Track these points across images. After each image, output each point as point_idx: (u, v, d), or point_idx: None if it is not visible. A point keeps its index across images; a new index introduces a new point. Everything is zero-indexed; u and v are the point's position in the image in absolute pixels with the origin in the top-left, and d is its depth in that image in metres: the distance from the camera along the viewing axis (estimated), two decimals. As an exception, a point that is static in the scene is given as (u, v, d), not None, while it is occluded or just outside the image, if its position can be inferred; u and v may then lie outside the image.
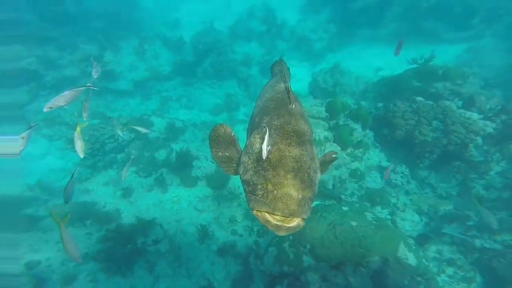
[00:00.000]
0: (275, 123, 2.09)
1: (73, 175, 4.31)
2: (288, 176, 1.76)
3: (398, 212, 6.51)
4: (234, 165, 2.27)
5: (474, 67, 10.14)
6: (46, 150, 10.83)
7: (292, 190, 1.72)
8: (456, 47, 12.25)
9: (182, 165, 8.80)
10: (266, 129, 1.89)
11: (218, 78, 13.43)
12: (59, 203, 8.19)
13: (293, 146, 1.91)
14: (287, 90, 2.22)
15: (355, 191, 6.87)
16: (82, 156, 4.32)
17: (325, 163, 2.51)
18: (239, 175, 2.11)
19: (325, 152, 7.07)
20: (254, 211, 1.81)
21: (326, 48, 14.47)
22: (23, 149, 4.10)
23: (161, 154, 9.44)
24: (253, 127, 2.36)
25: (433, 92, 8.49)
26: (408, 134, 7.44)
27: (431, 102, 7.69)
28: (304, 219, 1.77)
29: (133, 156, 6.47)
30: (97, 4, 17.10)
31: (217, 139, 2.32)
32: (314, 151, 2.04)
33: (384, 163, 7.53)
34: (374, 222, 5.15)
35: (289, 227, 1.74)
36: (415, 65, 9.59)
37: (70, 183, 4.29)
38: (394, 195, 6.87)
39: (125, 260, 6.93)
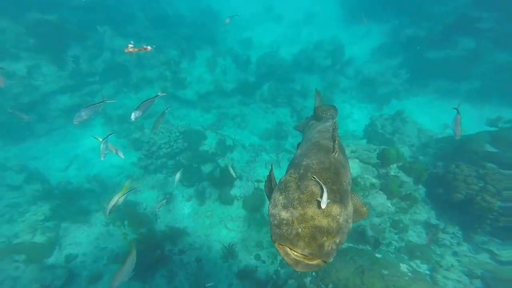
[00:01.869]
0: (314, 167, 2.28)
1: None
2: (316, 217, 1.92)
3: (441, 269, 6.27)
4: (269, 193, 2.60)
5: None
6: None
7: (316, 231, 1.87)
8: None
9: (224, 182, 9.74)
10: (323, 186, 2.07)
11: (273, 103, 14.38)
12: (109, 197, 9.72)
13: (327, 191, 2.05)
14: (334, 139, 2.42)
15: (393, 242, 6.82)
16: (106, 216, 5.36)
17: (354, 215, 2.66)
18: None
19: (368, 197, 7.36)
20: (276, 243, 1.97)
21: (392, 94, 14.53)
22: (106, 153, 5.59)
23: (207, 168, 10.50)
24: (292, 165, 2.56)
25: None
26: (468, 198, 7.26)
27: (507, 172, 7.44)
28: (325, 261, 1.89)
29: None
30: (189, 13, 20.27)
31: (270, 174, 2.81)
32: (348, 200, 2.17)
33: (433, 221, 7.36)
34: (409, 274, 5.17)
35: (307, 264, 1.87)
36: (494, 128, 9.26)
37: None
38: (438, 253, 6.66)
39: (150, 266, 7.59)
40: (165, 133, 11.17)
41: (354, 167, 7.79)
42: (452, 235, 6.97)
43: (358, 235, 6.77)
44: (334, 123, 2.70)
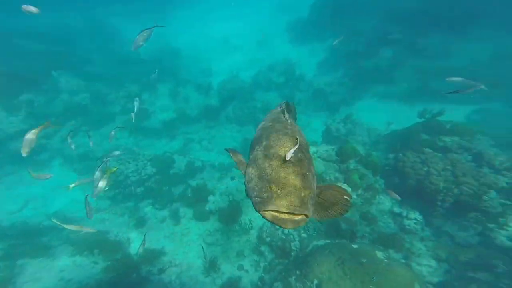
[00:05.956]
0: (273, 134, 2.45)
1: None
2: (290, 177, 1.99)
3: (413, 257, 6.37)
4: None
5: (483, 127, 10.38)
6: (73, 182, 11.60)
7: (294, 189, 1.94)
8: (465, 108, 12.71)
9: (197, 200, 9.23)
10: (298, 140, 2.17)
11: (238, 123, 14.46)
12: (72, 232, 8.61)
13: (294, 145, 2.17)
14: (283, 111, 2.66)
15: (366, 234, 6.89)
16: None
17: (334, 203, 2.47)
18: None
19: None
20: (261, 211, 1.96)
21: (341, 101, 15.38)
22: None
23: (178, 189, 10.01)
24: (255, 144, 2.67)
25: (441, 146, 8.85)
26: (419, 183, 7.67)
27: (439, 154, 8.05)
28: (307, 216, 1.93)
29: None
30: (146, 52, 19.92)
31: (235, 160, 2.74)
32: (310, 156, 2.29)
33: (397, 209, 7.61)
34: (385, 261, 5.17)
35: (295, 220, 1.89)
36: (423, 119, 10.11)
37: None
38: (408, 240, 6.78)
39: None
40: (132, 162, 10.52)
41: (318, 165, 7.88)
42: (415, 221, 7.15)
43: (333, 230, 6.74)
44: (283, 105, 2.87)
